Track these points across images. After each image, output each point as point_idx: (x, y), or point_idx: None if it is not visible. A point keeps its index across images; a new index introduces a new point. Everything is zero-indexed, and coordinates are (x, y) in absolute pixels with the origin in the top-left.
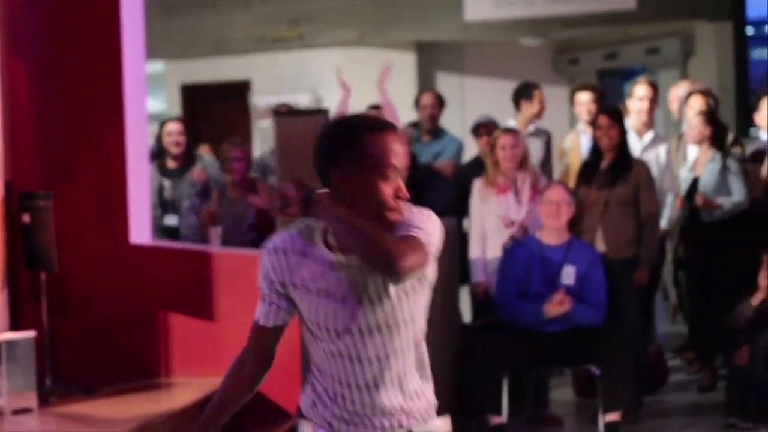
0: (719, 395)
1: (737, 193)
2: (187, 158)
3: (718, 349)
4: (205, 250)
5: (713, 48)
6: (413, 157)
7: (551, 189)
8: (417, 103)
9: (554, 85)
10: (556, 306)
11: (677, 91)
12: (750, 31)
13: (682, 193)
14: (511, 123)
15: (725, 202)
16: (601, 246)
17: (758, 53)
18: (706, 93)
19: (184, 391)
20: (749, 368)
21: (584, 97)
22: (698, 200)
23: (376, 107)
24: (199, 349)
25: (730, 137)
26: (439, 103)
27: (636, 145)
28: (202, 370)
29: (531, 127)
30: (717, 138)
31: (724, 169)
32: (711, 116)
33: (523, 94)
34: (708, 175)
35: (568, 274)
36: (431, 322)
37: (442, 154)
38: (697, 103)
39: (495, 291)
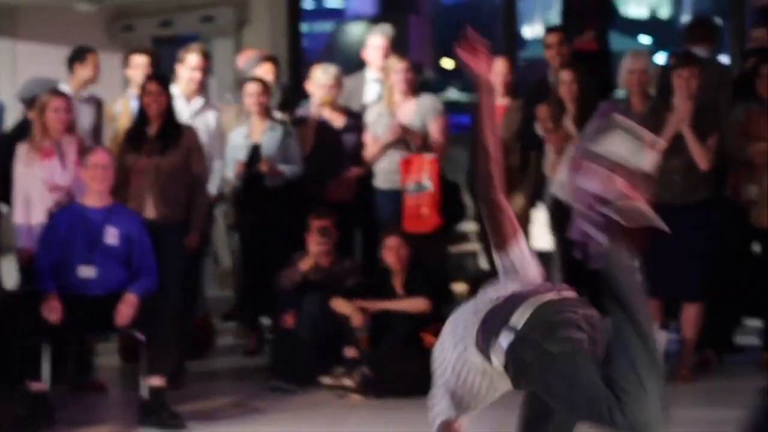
0: (264, 359)
1: (295, 161)
2: None
3: (265, 313)
4: None
5: (267, 18)
6: None
7: (94, 153)
8: None
9: (107, 52)
10: None
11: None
12: (310, 4)
13: (242, 159)
14: (64, 87)
15: (286, 168)
16: (151, 212)
17: (318, 26)
18: (274, 60)
19: None
20: (294, 332)
21: (141, 60)
22: (263, 167)
23: None
24: None
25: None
26: None
27: (185, 111)
28: None
29: (84, 93)
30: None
31: (287, 136)
32: (266, 85)
33: (77, 57)
34: (269, 142)
35: (111, 235)
36: None
37: None
38: (266, 69)
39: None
